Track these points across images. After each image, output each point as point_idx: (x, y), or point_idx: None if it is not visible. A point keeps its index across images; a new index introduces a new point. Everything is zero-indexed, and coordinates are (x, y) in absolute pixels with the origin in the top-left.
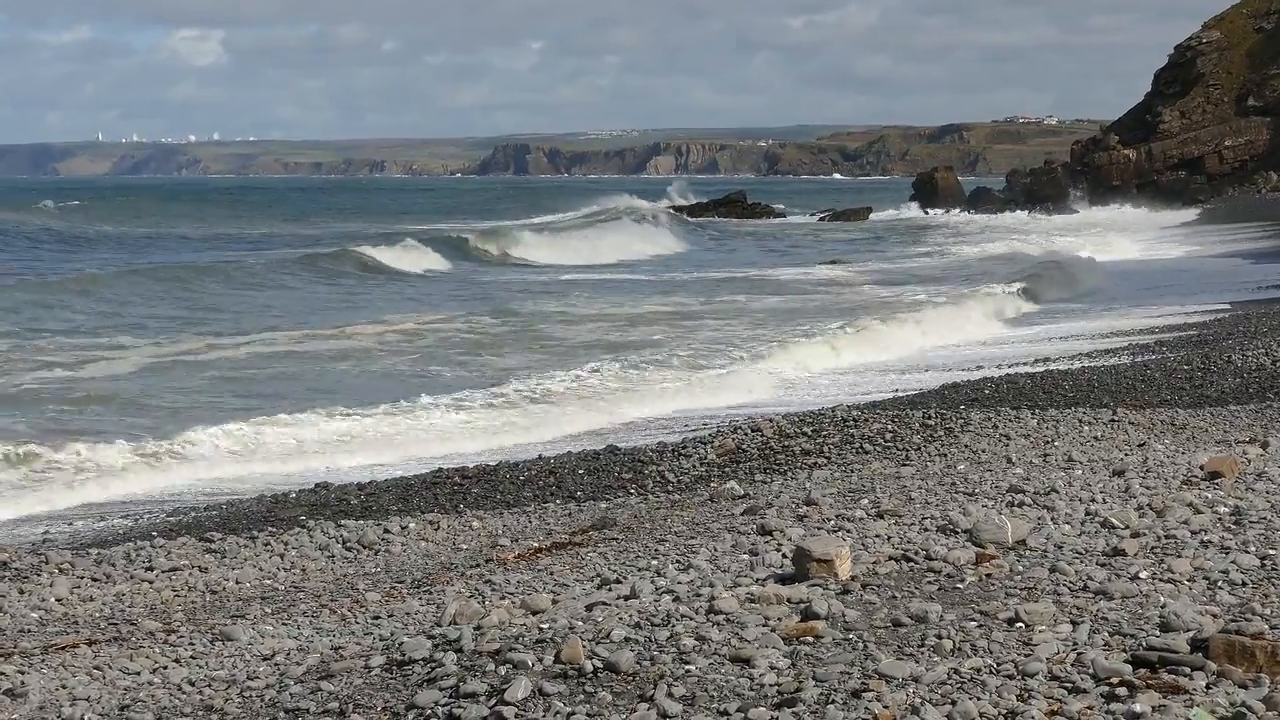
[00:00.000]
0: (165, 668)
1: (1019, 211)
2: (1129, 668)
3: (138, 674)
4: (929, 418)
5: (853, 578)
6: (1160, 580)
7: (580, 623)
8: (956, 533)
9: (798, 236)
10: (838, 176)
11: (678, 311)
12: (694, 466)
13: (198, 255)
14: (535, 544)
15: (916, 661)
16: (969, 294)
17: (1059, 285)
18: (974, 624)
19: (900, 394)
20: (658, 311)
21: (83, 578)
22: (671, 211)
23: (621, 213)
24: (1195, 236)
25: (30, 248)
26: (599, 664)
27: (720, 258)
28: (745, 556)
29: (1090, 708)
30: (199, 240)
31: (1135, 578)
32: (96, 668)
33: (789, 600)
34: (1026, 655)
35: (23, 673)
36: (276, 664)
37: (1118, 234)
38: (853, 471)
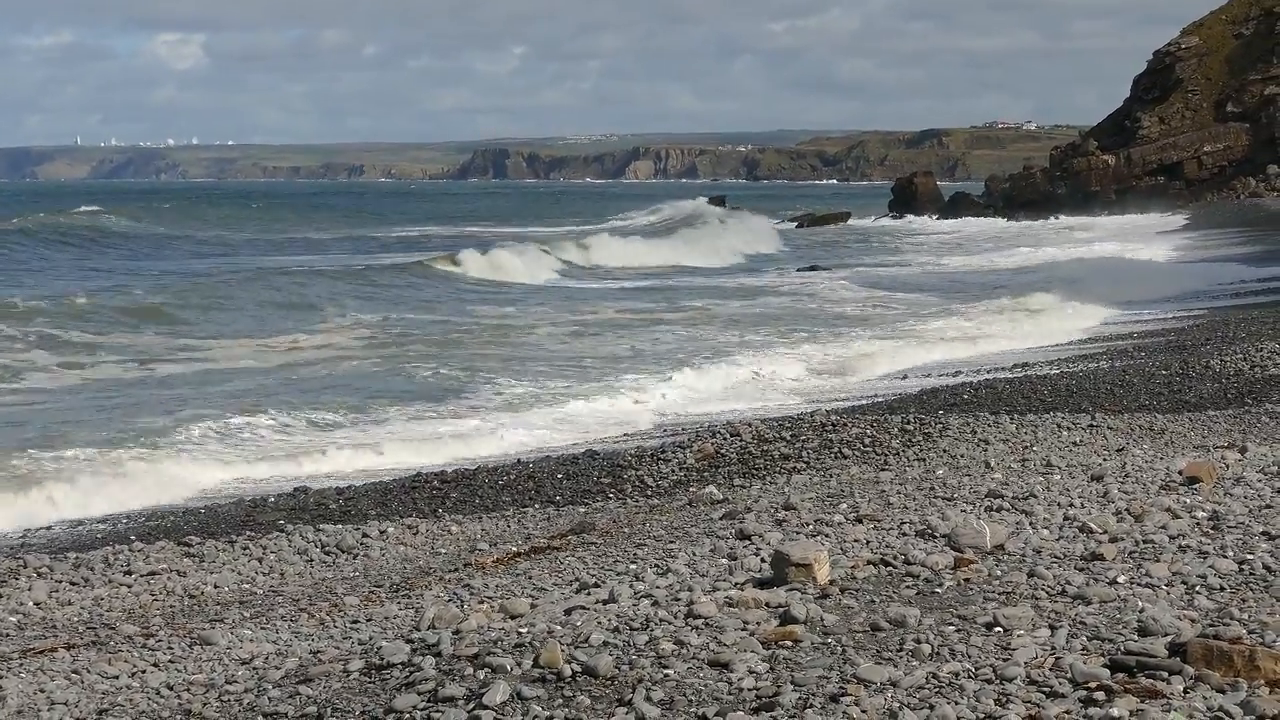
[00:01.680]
0: (143, 672)
1: (998, 218)
2: (1107, 672)
3: (116, 678)
4: (908, 423)
5: (831, 582)
6: (1138, 585)
7: (559, 627)
8: (935, 537)
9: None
10: (833, 182)
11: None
12: (673, 471)
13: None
14: (514, 548)
15: (895, 666)
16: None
17: (1120, 287)
18: (952, 628)
19: (878, 399)
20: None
21: (61, 582)
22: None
23: (707, 214)
24: (1192, 240)
25: (154, 249)
26: (577, 668)
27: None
28: (724, 561)
29: (1068, 712)
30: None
31: (1113, 582)
32: (75, 672)
33: (767, 604)
34: (1005, 659)
35: (1, 677)
36: (255, 668)
37: (1116, 237)
38: (831, 476)
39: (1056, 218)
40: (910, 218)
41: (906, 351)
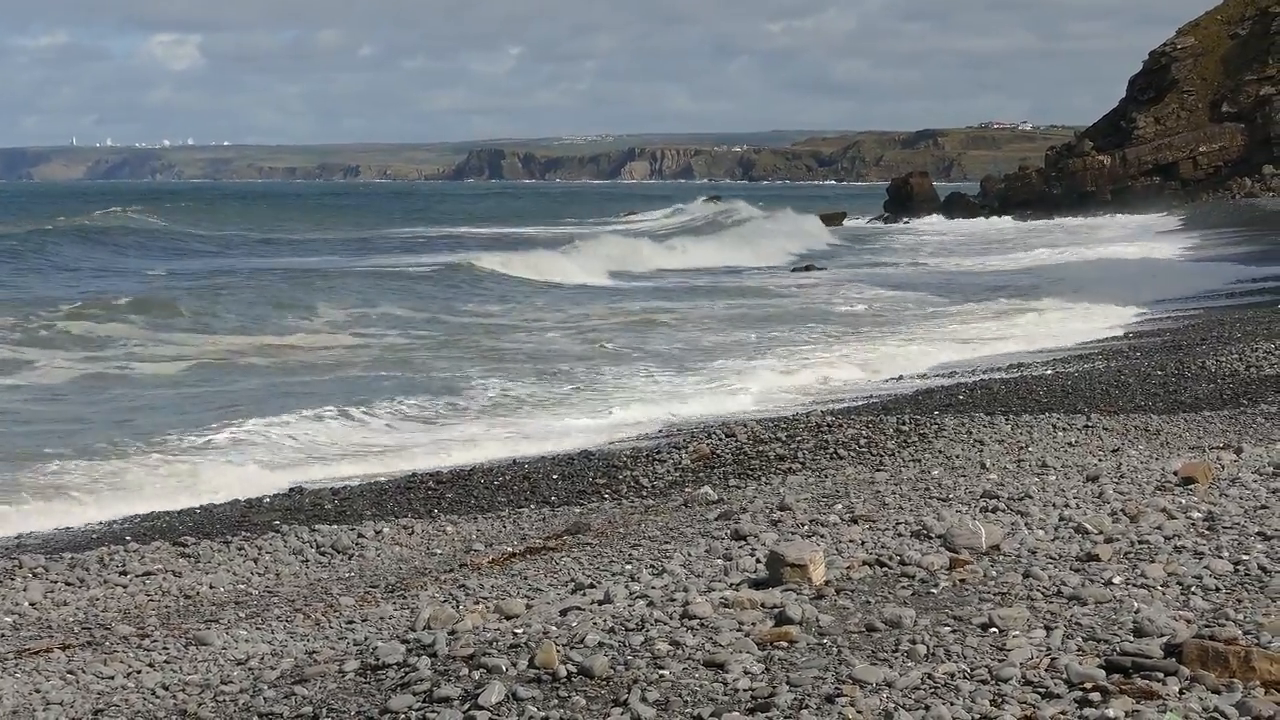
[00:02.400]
0: (139, 672)
1: (1000, 218)
2: (1102, 673)
3: (111, 678)
4: (903, 423)
5: (827, 583)
6: (1134, 585)
7: (554, 627)
8: (931, 538)
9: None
10: (830, 182)
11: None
12: (668, 471)
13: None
14: (509, 549)
15: (890, 666)
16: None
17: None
18: (948, 629)
19: (874, 399)
20: None
21: (56, 582)
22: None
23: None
24: (1205, 241)
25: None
26: (573, 669)
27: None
28: (719, 561)
29: (1064, 713)
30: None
31: (1109, 583)
32: (70, 672)
33: (763, 605)
34: (1000, 660)
35: None
36: (250, 668)
37: (1128, 238)
38: (827, 477)
39: (1051, 218)
40: (906, 219)
41: (958, 350)
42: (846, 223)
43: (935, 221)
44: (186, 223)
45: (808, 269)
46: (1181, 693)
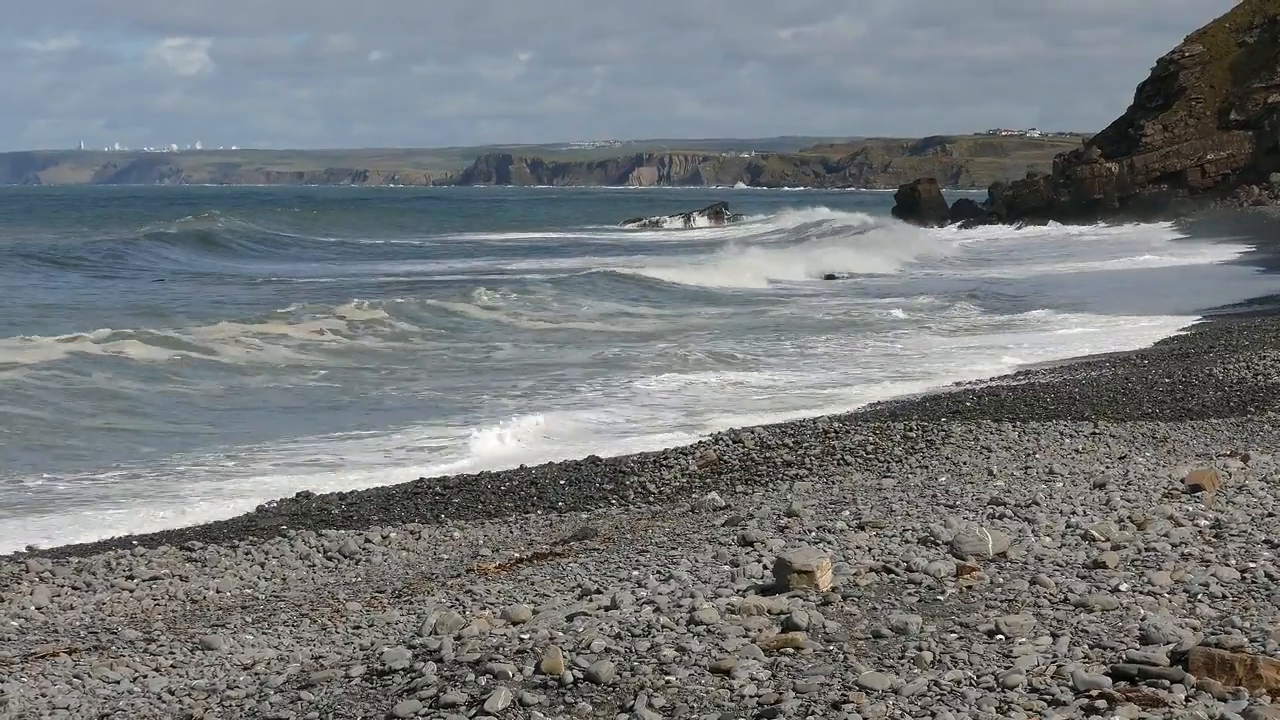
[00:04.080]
0: (145, 676)
1: (1009, 225)
2: (1108, 680)
3: (118, 683)
4: (910, 430)
5: (833, 589)
6: (1140, 593)
7: (561, 633)
8: (937, 545)
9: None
10: (849, 189)
11: None
12: (675, 477)
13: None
14: (516, 554)
15: (897, 673)
16: None
17: None
18: (954, 636)
19: (880, 406)
20: None
21: (63, 586)
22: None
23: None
24: (1194, 246)
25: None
26: (579, 674)
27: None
28: (726, 567)
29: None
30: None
31: (1115, 590)
32: (76, 676)
33: (770, 611)
34: (1006, 667)
35: (2, 681)
36: (257, 673)
37: (1163, 249)
38: (834, 483)
39: (1062, 226)
40: (916, 225)
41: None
42: None
43: (943, 228)
44: (291, 229)
45: (829, 278)
46: (1187, 700)
